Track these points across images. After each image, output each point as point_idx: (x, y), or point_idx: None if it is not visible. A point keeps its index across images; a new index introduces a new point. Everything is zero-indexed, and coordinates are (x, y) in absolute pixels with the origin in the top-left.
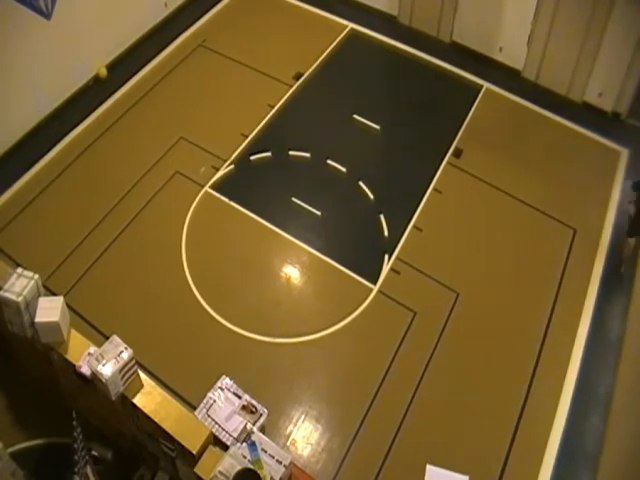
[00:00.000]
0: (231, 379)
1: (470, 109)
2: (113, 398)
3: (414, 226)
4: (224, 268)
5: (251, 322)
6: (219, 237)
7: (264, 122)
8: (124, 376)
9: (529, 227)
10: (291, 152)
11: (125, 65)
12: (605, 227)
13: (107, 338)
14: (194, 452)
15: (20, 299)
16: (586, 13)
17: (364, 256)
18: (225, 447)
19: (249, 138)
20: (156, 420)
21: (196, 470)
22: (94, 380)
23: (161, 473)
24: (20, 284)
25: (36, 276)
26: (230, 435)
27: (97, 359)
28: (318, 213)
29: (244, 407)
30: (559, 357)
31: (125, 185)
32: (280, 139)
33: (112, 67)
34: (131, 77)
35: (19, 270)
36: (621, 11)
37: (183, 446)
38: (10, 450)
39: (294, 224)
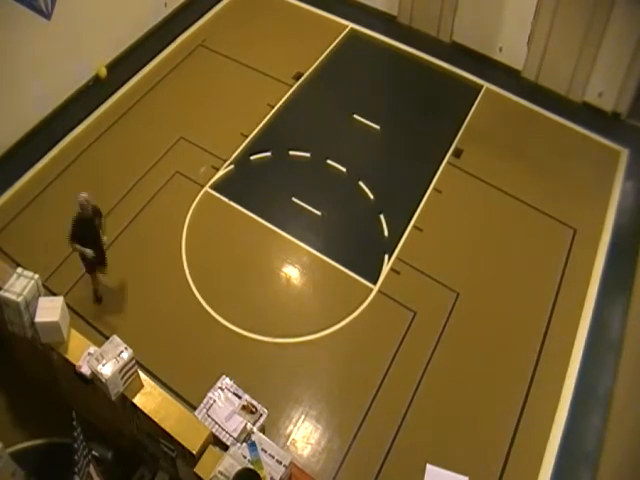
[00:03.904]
0: (231, 379)
1: (470, 109)
2: (113, 398)
3: (414, 226)
4: (224, 268)
5: (251, 322)
6: (219, 237)
7: (264, 122)
8: (124, 376)
9: (529, 227)
10: (291, 152)
11: (125, 65)
12: (605, 227)
13: (107, 338)
14: (194, 452)
15: (20, 299)
16: (586, 13)
17: (364, 256)
18: (225, 447)
19: (249, 138)
20: (156, 420)
21: (196, 470)
22: (94, 380)
23: (161, 473)
24: (20, 284)
25: (36, 276)
26: (230, 435)
27: (97, 359)
28: (318, 213)
29: (244, 407)
30: (559, 357)
31: (125, 185)
32: (280, 139)
33: (112, 67)
34: (131, 77)
35: (19, 270)
36: (621, 11)
37: (183, 446)
38: (10, 450)
39: (294, 224)
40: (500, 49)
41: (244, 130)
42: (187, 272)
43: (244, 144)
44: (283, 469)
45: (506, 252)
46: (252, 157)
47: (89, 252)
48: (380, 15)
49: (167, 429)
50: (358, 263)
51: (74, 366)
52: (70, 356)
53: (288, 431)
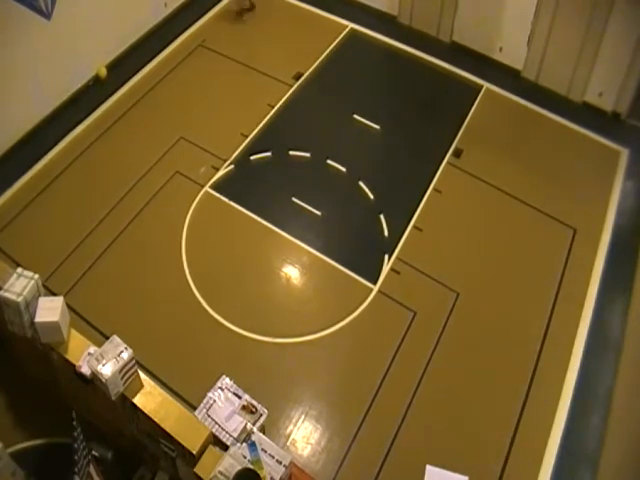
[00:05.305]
0: (231, 379)
1: (470, 109)
2: (113, 398)
3: (414, 226)
4: (224, 268)
5: (251, 322)
6: (219, 237)
7: (264, 122)
8: (124, 376)
9: (529, 227)
10: (291, 152)
11: (125, 65)
12: (605, 227)
13: (107, 338)
14: (194, 452)
15: (20, 299)
16: (586, 13)
17: (364, 256)
18: (225, 447)
19: (249, 138)
20: (156, 420)
21: (196, 470)
22: (94, 380)
23: (161, 473)
24: (20, 284)
25: (36, 276)
26: (230, 435)
27: (97, 359)
28: (318, 213)
29: (244, 407)
30: (559, 357)
31: (125, 185)
32: (280, 139)
33: (112, 67)
34: (131, 77)
35: (19, 270)
36: (621, 11)
37: (183, 446)
38: (10, 450)
39: (294, 224)
40: (500, 49)
41: (244, 130)
42: (187, 272)
43: (244, 144)
44: (283, 469)
45: (506, 252)
46: (252, 157)
47: None
48: (380, 15)
49: (167, 429)
50: (358, 263)
51: (74, 366)
52: (70, 356)
53: (288, 431)
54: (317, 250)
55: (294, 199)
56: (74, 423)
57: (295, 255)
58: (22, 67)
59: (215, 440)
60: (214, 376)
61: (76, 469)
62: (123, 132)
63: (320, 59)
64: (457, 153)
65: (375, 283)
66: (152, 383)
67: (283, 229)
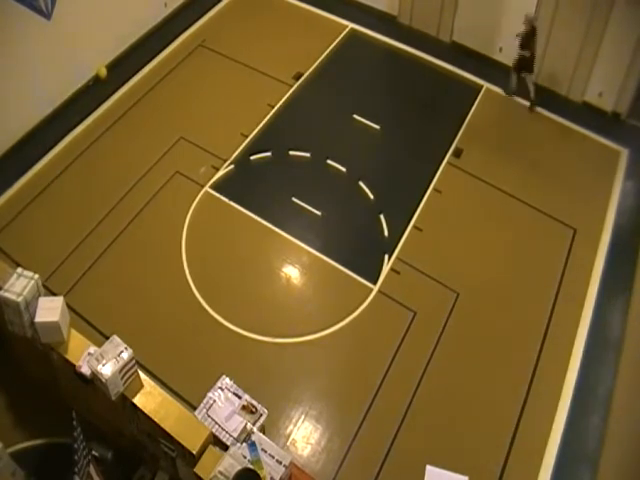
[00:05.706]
0: (231, 379)
1: (470, 109)
2: (113, 398)
3: (414, 226)
4: (224, 268)
5: (251, 322)
6: (219, 237)
7: (264, 122)
8: (124, 376)
9: (529, 227)
10: (291, 152)
11: (125, 65)
12: (605, 227)
13: (107, 338)
14: (194, 452)
15: (20, 299)
16: (586, 13)
17: (364, 256)
18: (225, 447)
19: (249, 138)
20: (156, 420)
21: (196, 470)
22: (94, 380)
23: (161, 473)
24: (20, 284)
25: (36, 276)
26: (230, 435)
27: (97, 359)
28: (318, 213)
29: (244, 407)
30: (559, 357)
31: (125, 185)
32: (280, 139)
33: (112, 67)
34: (131, 77)
35: (19, 270)
36: (621, 11)
37: (183, 446)
38: (10, 450)
39: (294, 224)
40: (500, 49)
41: (244, 130)
42: (187, 272)
43: (244, 144)
44: (283, 469)
45: (506, 252)
46: (252, 157)
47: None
48: (380, 15)
49: (167, 429)
50: (358, 263)
51: (74, 366)
52: (70, 356)
53: (288, 431)
54: (317, 250)
55: (294, 199)
56: (74, 423)
57: (295, 255)
58: (22, 67)
59: (215, 440)
60: (214, 376)
61: (76, 469)
62: (123, 132)
63: (320, 59)
64: (457, 153)
65: (375, 283)
66: (152, 383)
67: (283, 229)
